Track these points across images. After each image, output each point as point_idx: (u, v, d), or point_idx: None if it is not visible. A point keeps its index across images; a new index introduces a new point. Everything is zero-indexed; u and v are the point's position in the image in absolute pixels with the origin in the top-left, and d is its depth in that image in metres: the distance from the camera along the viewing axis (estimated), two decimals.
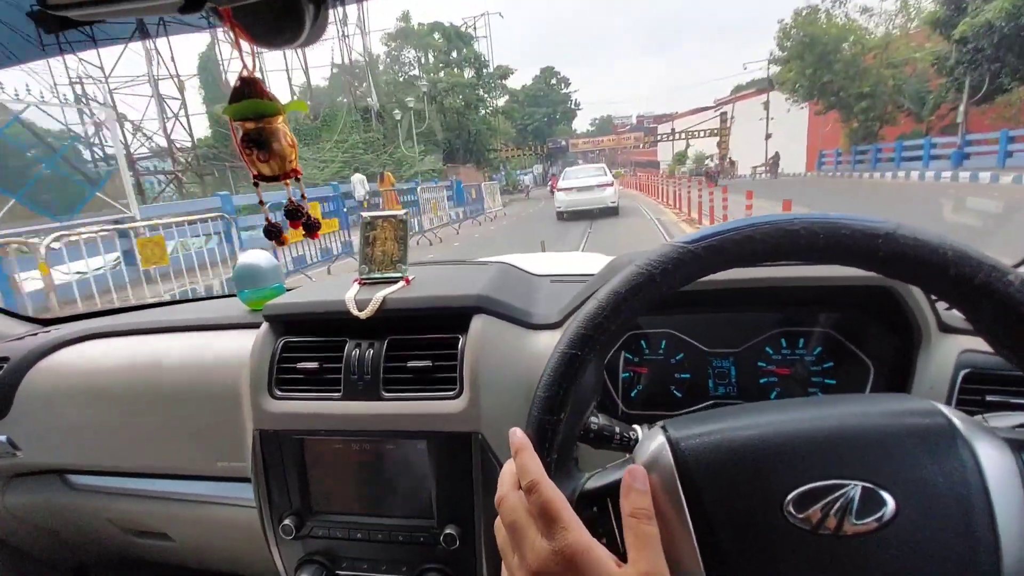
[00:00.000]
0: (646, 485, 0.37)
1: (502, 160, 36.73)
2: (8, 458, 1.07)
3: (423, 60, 31.80)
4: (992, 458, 0.32)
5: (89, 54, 16.57)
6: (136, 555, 1.18)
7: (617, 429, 0.52)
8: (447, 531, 0.77)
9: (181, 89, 19.73)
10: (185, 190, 19.45)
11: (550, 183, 32.42)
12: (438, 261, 1.18)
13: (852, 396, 0.39)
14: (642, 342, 0.86)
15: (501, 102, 36.19)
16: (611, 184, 12.88)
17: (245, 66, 0.57)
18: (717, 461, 0.35)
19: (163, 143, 19.30)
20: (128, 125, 18.40)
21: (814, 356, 0.81)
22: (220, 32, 0.55)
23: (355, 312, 0.82)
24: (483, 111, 32.93)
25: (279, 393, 0.84)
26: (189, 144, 20.16)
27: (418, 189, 12.05)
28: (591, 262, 1.67)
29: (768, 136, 27.64)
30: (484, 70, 32.90)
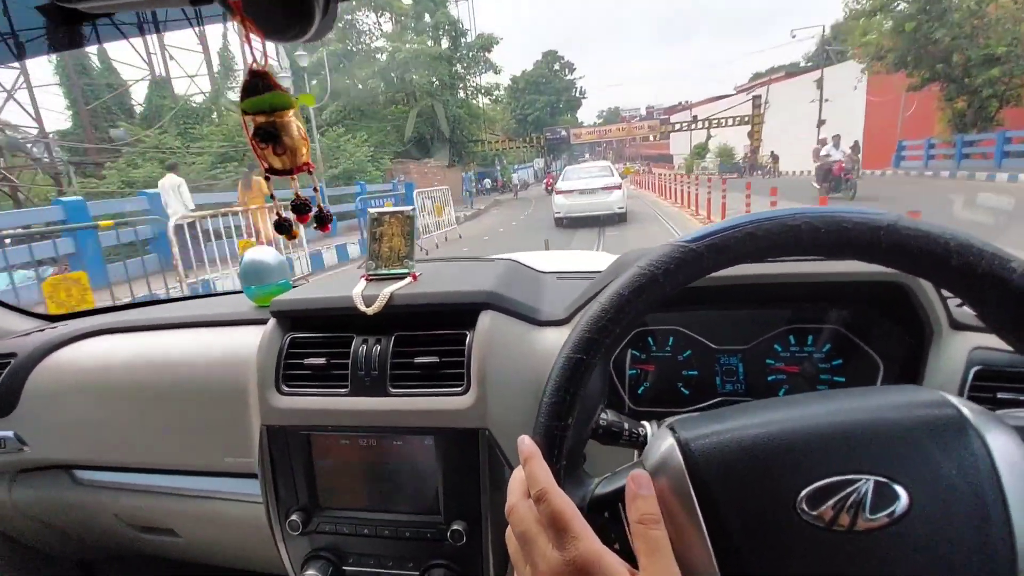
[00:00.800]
0: (651, 490, 0.36)
1: (495, 153, 31.70)
2: (15, 453, 1.08)
3: (381, 25, 26.10)
4: (1004, 447, 0.32)
5: None
6: (142, 550, 1.18)
7: (626, 425, 0.52)
8: (454, 527, 0.77)
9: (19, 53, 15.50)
10: (27, 194, 13.69)
11: (545, 181, 28.78)
12: (445, 258, 1.18)
13: (860, 389, 0.39)
14: (649, 339, 0.86)
15: (486, 80, 30.29)
16: (618, 186, 10.97)
17: (255, 60, 0.57)
18: (728, 461, 0.35)
19: None
20: None
21: (823, 353, 0.81)
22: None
23: (362, 308, 0.82)
24: (461, 91, 27.49)
25: (286, 389, 0.84)
26: (36, 131, 14.47)
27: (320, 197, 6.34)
28: (596, 259, 1.67)
29: (821, 123, 22.01)
30: (462, 39, 27.03)
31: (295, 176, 0.64)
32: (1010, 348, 0.36)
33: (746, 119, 27.95)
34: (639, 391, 0.86)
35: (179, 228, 5.88)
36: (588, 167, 13.07)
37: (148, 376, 1.00)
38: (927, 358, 0.71)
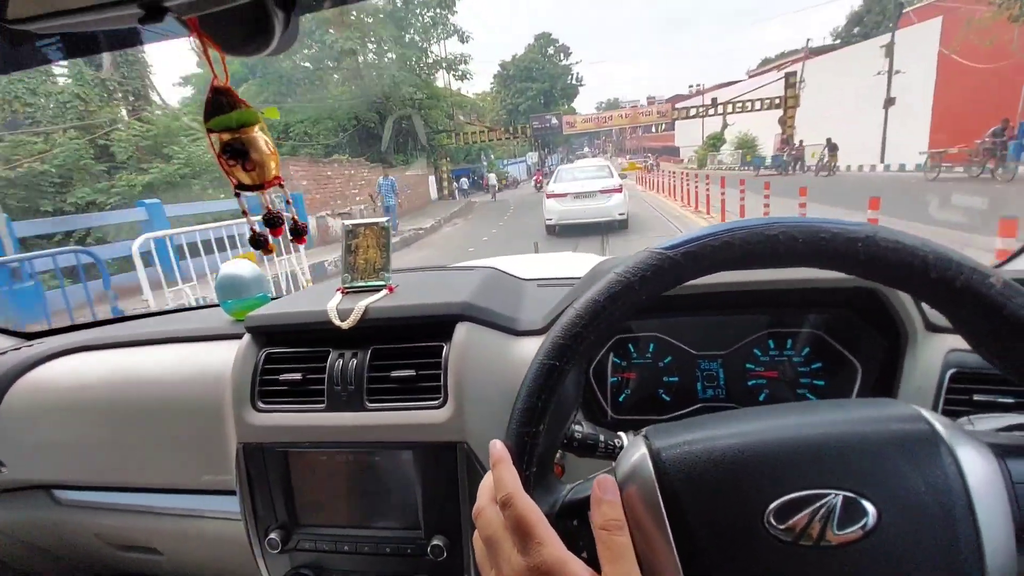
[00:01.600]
0: (616, 495, 0.36)
1: (479, 147, 26.88)
2: None
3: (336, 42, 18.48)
4: (975, 465, 0.32)
5: None
6: (124, 569, 1.17)
7: (602, 437, 0.52)
8: (434, 542, 0.76)
9: None
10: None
11: (534, 178, 27.14)
12: (423, 268, 1.17)
13: (835, 402, 0.39)
14: (630, 346, 0.86)
15: (452, 50, 24.79)
16: (618, 189, 9.59)
17: (216, 76, 0.56)
18: (697, 471, 0.34)
19: None
20: None
21: (802, 357, 0.81)
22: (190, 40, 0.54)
23: (337, 322, 0.81)
24: (419, 70, 21.59)
25: (262, 405, 0.83)
26: None
27: None
28: (583, 263, 1.66)
29: (889, 102, 17.42)
30: None
31: (265, 191, 0.63)
32: None
33: (777, 101, 22.50)
34: (620, 399, 0.85)
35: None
36: (583, 166, 11.61)
37: (125, 394, 0.98)
38: (903, 361, 0.71)
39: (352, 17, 18.38)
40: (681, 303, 0.81)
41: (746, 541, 0.33)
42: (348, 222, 0.90)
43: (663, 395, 0.84)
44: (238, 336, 0.92)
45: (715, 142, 31.16)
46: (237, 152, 0.59)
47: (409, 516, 0.79)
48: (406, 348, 0.81)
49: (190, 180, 10.97)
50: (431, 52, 23.07)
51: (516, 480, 0.38)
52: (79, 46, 0.58)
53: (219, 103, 0.57)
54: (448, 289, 0.88)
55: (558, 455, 0.54)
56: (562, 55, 43.02)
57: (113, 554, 1.12)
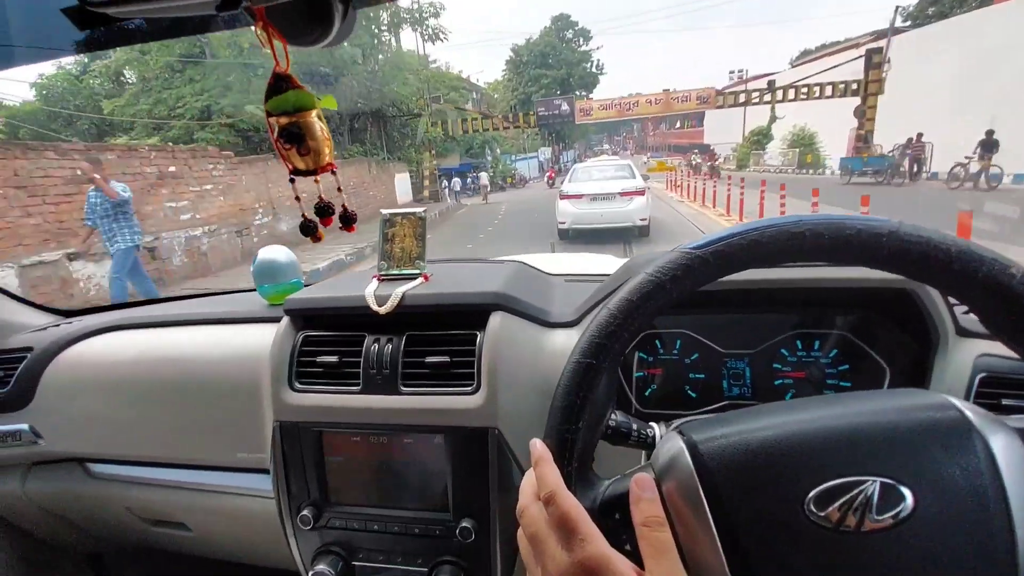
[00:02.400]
0: (654, 492, 0.37)
1: (481, 139, 23.42)
2: (30, 446, 1.09)
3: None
4: (1006, 449, 0.33)
5: None
6: (152, 544, 1.20)
7: (634, 426, 0.53)
8: (463, 524, 0.78)
9: None
10: None
11: (547, 175, 25.21)
12: (456, 259, 1.19)
13: (866, 392, 0.40)
14: (657, 342, 0.87)
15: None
16: (641, 192, 8.59)
17: (278, 63, 0.59)
18: (736, 464, 0.35)
19: None
20: None
21: (830, 358, 0.81)
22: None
23: (375, 307, 0.83)
24: (384, 43, 17.69)
25: (299, 386, 0.86)
26: None
27: None
28: (603, 263, 1.68)
29: None
30: None
31: (318, 177, 0.65)
32: (1015, 355, 0.36)
33: (855, 87, 17.39)
34: (646, 393, 0.86)
35: None
36: (602, 165, 10.47)
37: (161, 372, 1.01)
38: (933, 364, 0.71)
39: None
40: (709, 300, 0.82)
41: (788, 530, 0.33)
42: (386, 211, 0.93)
43: (689, 391, 0.85)
44: (273, 320, 0.94)
45: (760, 138, 25.60)
46: (293, 136, 0.61)
47: (438, 498, 0.81)
48: (440, 335, 0.83)
49: None
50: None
51: (558, 477, 0.39)
52: (154, 31, 0.60)
53: (279, 88, 0.60)
54: (481, 280, 0.90)
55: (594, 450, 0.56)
56: (581, 39, 38.33)
57: (142, 528, 1.15)
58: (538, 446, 0.41)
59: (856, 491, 0.33)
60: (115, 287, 5.36)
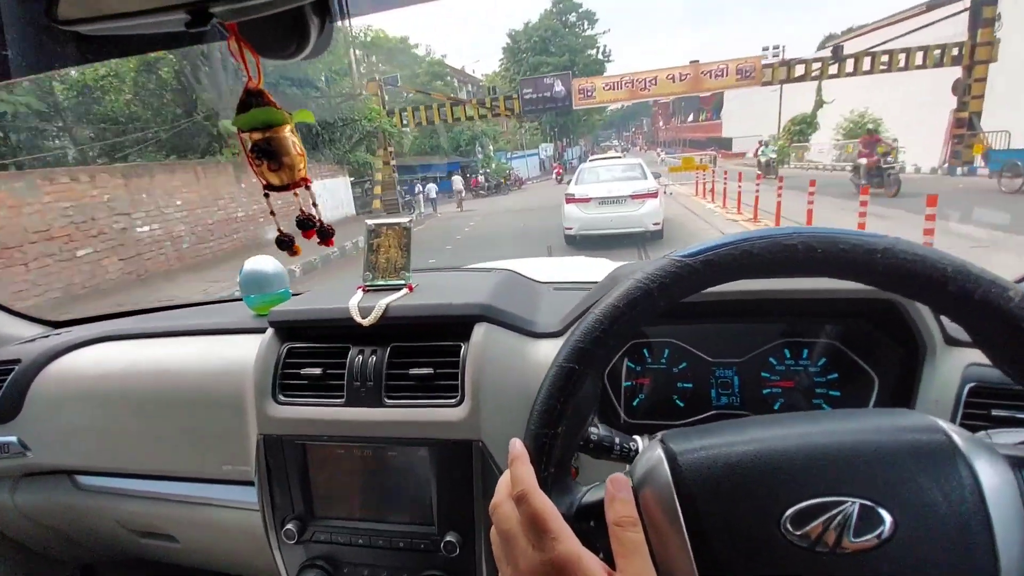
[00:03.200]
0: (629, 493, 0.37)
1: (469, 134, 20.61)
2: (18, 458, 1.09)
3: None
4: (991, 476, 0.32)
5: None
6: (142, 555, 1.20)
7: (617, 440, 0.52)
8: (448, 538, 0.77)
9: None
10: None
11: (555, 171, 23.39)
12: (442, 268, 1.19)
13: (852, 411, 0.39)
14: (645, 351, 0.86)
15: None
16: (653, 194, 7.88)
17: (251, 78, 0.58)
18: (714, 476, 0.35)
19: None
20: None
21: (818, 368, 0.80)
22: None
23: (358, 319, 0.83)
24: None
25: (283, 398, 0.85)
26: None
27: None
28: (596, 268, 1.67)
29: None
30: None
31: (296, 191, 0.64)
32: None
33: (955, 51, 12.57)
34: (634, 403, 0.86)
35: None
36: (611, 165, 9.65)
37: (148, 384, 1.01)
38: (921, 374, 0.71)
39: None
40: (697, 310, 0.81)
41: (763, 546, 0.33)
42: (371, 221, 0.92)
43: (677, 401, 0.84)
44: (260, 331, 0.94)
45: (803, 127, 19.46)
46: (264, 152, 0.60)
47: (423, 512, 0.80)
48: (424, 346, 0.83)
49: None
50: None
51: (532, 477, 0.38)
52: (122, 47, 0.60)
53: (249, 104, 0.59)
54: (467, 290, 0.90)
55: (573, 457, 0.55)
56: (586, 23, 34.35)
57: (132, 539, 1.14)
58: (516, 445, 0.41)
59: (835, 511, 0.32)
60: None
